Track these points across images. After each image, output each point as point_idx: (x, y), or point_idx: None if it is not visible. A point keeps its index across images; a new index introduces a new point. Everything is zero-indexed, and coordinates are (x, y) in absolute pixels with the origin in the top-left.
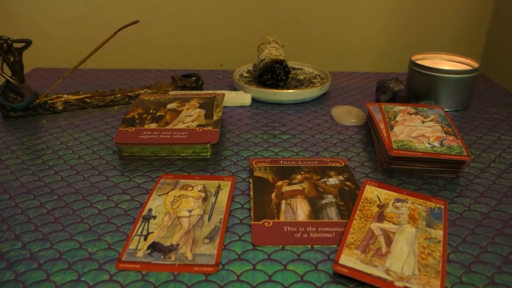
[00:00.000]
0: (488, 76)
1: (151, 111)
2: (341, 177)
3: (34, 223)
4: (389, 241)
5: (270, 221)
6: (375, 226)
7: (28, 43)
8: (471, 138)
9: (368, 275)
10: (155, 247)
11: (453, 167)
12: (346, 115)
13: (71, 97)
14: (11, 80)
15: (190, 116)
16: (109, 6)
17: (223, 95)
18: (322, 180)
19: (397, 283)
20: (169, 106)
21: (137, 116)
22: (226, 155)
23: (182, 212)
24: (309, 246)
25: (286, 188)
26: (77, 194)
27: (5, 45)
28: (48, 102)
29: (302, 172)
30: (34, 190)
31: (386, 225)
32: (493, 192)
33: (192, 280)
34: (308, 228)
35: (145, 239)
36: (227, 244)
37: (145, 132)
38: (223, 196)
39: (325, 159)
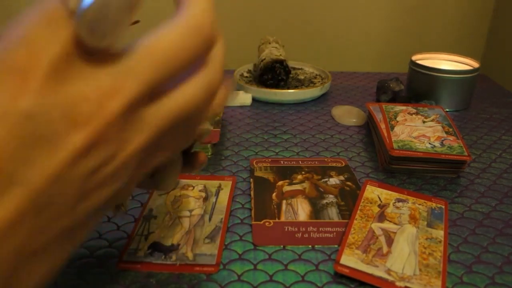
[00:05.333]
0: (489, 76)
1: None
2: (341, 177)
3: None
4: (390, 241)
5: (271, 221)
6: (376, 226)
7: None
8: (472, 138)
9: (369, 275)
10: (156, 247)
11: (454, 167)
12: (347, 115)
13: None
14: None
15: None
16: None
17: None
18: (322, 180)
19: (398, 283)
20: None
21: None
22: (227, 155)
23: (182, 212)
24: (310, 246)
25: (287, 188)
26: None
27: None
28: None
29: (303, 172)
30: None
31: (387, 225)
32: (493, 192)
33: (193, 280)
34: (309, 228)
35: (146, 239)
36: (228, 244)
37: None
38: (224, 196)
39: (326, 159)
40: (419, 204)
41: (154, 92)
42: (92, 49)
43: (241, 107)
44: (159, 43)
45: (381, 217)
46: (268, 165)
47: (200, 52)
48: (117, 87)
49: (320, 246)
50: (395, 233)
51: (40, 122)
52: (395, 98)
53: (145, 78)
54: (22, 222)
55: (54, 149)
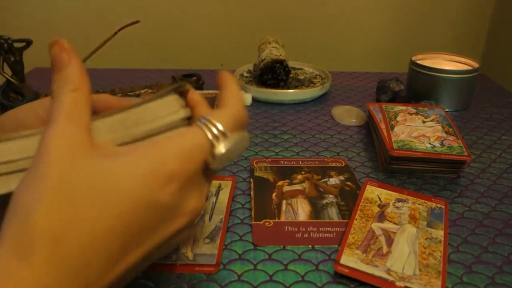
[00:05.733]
0: (488, 76)
1: None
2: (341, 177)
3: None
4: (390, 241)
5: (271, 221)
6: (376, 226)
7: (28, 42)
8: (472, 138)
9: (369, 275)
10: None
11: (454, 167)
12: (347, 115)
13: None
14: (12, 79)
15: None
16: (109, 6)
17: None
18: (322, 180)
19: (398, 283)
20: None
21: None
22: None
23: None
24: (310, 246)
25: (287, 188)
26: None
27: (5, 44)
28: None
29: (303, 172)
30: None
31: (386, 225)
32: (493, 192)
33: (193, 280)
34: (308, 228)
35: None
36: (228, 244)
37: None
38: (224, 196)
39: (326, 159)
40: (419, 204)
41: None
42: (211, 171)
43: None
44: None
45: (381, 217)
46: (268, 165)
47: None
48: (201, 198)
49: (320, 246)
50: (395, 233)
51: (166, 210)
52: (395, 98)
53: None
54: (135, 267)
55: (169, 225)
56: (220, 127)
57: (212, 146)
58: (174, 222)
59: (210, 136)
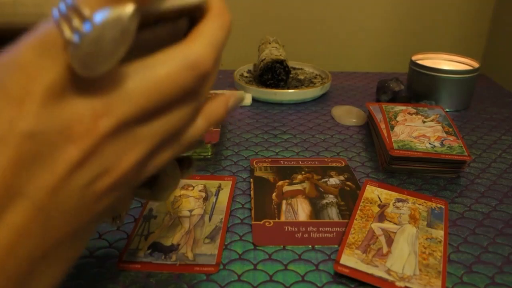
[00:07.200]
0: (489, 76)
1: None
2: (341, 177)
3: None
4: (390, 241)
5: (271, 221)
6: (376, 226)
7: None
8: (472, 138)
9: (369, 275)
10: (156, 247)
11: (454, 167)
12: (347, 115)
13: None
14: None
15: None
16: None
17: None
18: (322, 180)
19: (398, 283)
20: None
21: None
22: (227, 155)
23: (182, 212)
24: (310, 246)
25: (287, 188)
26: None
27: None
28: None
29: (303, 172)
30: None
31: (387, 225)
32: (493, 192)
33: (193, 280)
34: (309, 228)
35: (146, 239)
36: (228, 244)
37: None
38: (224, 196)
39: (326, 159)
40: (419, 204)
41: (146, 114)
42: (85, 78)
43: (241, 107)
44: (155, 73)
45: (381, 217)
46: (268, 165)
47: (193, 86)
48: (110, 108)
49: (320, 246)
50: (395, 233)
51: (39, 140)
52: (395, 98)
53: (137, 103)
54: (30, 230)
55: (52, 163)
56: (70, 1)
57: (62, 33)
58: (61, 148)
59: (57, 17)
